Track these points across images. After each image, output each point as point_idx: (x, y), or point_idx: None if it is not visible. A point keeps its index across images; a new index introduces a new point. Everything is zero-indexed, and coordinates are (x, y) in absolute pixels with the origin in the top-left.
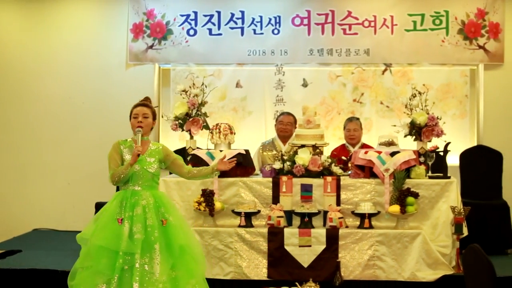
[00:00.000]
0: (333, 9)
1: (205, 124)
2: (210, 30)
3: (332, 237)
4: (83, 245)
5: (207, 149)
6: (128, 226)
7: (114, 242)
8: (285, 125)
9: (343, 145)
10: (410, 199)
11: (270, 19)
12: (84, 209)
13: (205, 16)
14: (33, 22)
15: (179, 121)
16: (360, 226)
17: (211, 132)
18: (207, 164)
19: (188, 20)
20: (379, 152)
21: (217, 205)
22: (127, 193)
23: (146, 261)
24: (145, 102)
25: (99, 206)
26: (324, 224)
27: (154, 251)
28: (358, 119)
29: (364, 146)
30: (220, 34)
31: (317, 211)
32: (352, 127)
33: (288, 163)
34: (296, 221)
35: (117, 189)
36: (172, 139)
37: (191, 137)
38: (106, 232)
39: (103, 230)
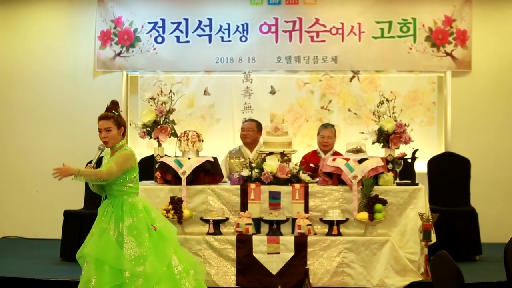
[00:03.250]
0: (301, 16)
1: (173, 131)
2: (177, 37)
3: (301, 244)
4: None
5: (175, 156)
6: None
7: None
8: (246, 131)
9: (315, 151)
10: (378, 206)
11: (237, 27)
12: (53, 217)
13: (173, 23)
14: None
15: (147, 128)
16: (329, 233)
17: (179, 140)
18: (176, 172)
19: (156, 28)
20: (347, 159)
21: (186, 212)
22: (102, 203)
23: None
24: (106, 114)
25: (67, 214)
26: (293, 232)
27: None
28: (333, 126)
29: (336, 154)
30: (187, 42)
31: (285, 218)
32: (327, 134)
33: (256, 170)
34: (265, 228)
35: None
36: (140, 147)
37: (159, 145)
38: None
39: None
